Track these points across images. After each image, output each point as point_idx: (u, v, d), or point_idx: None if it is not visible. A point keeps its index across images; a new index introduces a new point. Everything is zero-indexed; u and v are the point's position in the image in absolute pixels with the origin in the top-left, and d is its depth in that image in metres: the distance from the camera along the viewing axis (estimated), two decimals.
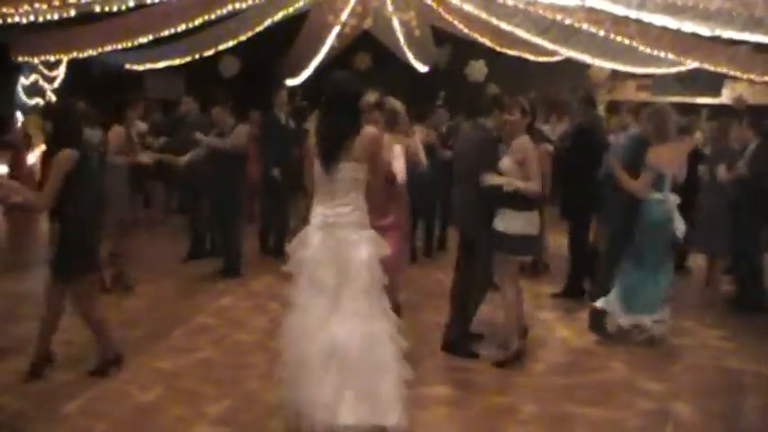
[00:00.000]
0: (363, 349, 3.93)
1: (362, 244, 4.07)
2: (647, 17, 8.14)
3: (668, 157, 5.76)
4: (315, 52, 13.15)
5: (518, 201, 5.18)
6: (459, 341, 5.63)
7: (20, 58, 11.49)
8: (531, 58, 13.66)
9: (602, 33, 9.30)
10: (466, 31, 12.28)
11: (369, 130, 4.14)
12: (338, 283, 4.00)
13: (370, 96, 5.16)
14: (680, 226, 5.78)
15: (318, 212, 4.11)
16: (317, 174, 4.13)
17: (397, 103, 5.69)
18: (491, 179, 5.21)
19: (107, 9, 8.93)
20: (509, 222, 5.21)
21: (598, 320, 6.10)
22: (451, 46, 15.38)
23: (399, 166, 5.27)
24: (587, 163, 7.05)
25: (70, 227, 4.80)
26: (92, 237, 5.01)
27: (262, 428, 4.32)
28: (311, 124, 6.86)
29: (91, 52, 11.41)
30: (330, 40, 12.33)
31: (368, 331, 3.97)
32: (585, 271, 7.31)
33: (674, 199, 5.84)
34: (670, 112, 5.93)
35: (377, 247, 4.11)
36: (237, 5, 9.94)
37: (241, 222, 8.28)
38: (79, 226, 4.82)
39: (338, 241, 4.05)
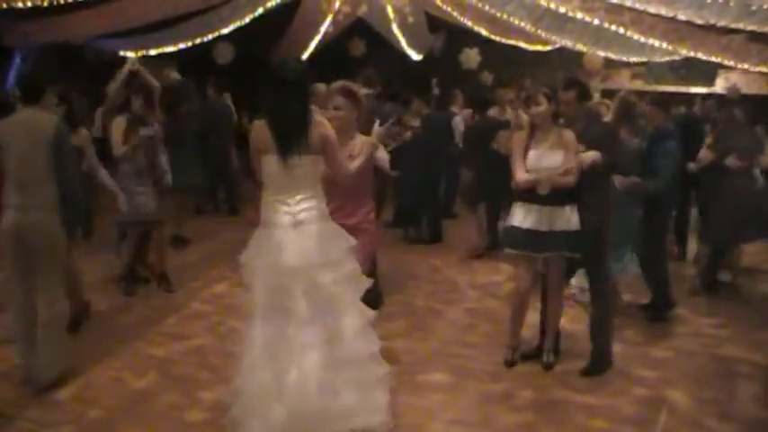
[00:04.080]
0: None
1: (338, 237, 3.93)
2: (641, 6, 8.13)
3: None
4: (309, 39, 13.07)
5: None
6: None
7: (11, 45, 11.40)
8: (525, 46, 13.63)
9: (596, 22, 9.27)
10: (460, 19, 12.24)
11: (320, 122, 3.83)
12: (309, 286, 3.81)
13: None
14: None
15: (282, 210, 3.80)
16: (273, 169, 3.78)
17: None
18: None
19: None
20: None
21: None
22: (445, 33, 15.33)
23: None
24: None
25: None
26: None
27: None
28: None
29: (83, 38, 11.33)
30: (324, 26, 12.25)
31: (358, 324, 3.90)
32: None
33: None
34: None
35: (348, 240, 3.96)
36: None
37: None
38: None
39: (311, 237, 3.80)
